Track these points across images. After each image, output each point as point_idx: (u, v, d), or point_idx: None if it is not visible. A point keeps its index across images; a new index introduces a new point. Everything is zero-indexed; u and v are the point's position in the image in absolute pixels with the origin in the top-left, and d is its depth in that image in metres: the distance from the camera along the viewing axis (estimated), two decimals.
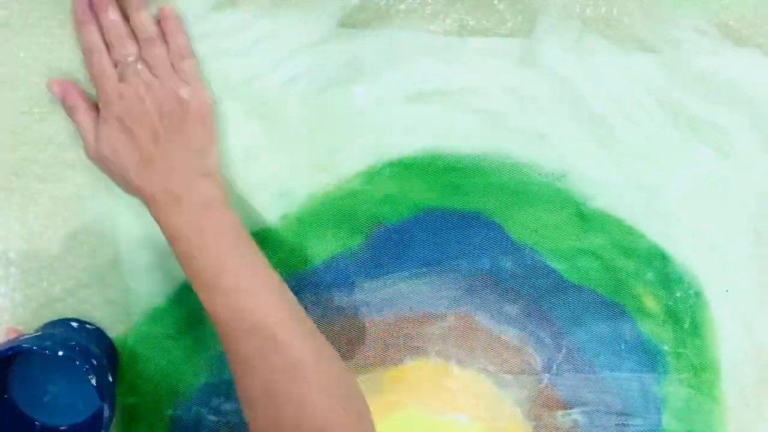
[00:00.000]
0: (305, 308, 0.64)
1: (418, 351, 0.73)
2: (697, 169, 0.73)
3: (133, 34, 0.65)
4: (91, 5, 0.65)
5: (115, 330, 0.71)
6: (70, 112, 0.67)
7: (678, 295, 0.73)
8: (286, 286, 0.64)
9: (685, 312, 0.73)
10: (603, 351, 0.73)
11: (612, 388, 0.73)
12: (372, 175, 0.72)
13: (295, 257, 0.72)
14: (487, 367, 0.73)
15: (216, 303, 0.61)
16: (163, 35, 0.66)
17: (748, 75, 0.72)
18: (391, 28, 0.70)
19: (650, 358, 0.73)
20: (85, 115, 0.66)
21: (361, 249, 0.72)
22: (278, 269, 0.70)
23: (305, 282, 0.72)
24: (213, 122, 0.67)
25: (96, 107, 0.66)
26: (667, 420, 0.73)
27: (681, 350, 0.73)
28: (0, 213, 0.70)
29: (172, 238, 0.63)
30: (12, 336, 0.65)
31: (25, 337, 0.64)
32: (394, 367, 0.73)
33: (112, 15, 0.65)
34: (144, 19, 0.65)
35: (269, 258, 0.67)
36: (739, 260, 0.74)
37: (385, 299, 0.73)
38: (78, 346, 0.63)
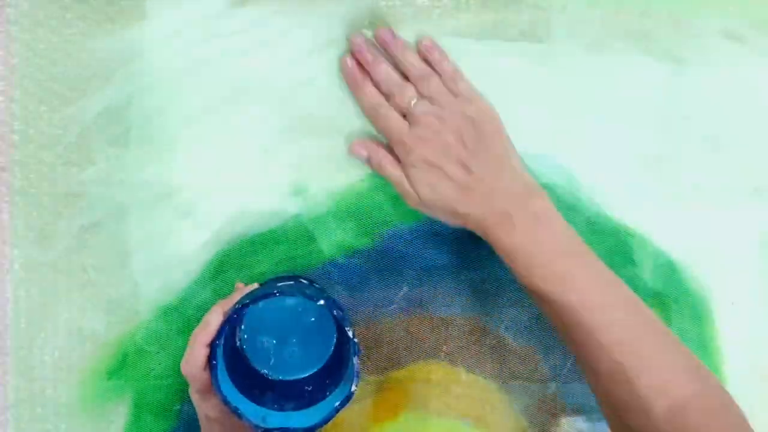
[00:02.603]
0: None
1: (425, 354, 0.73)
2: (709, 180, 0.73)
3: (404, 76, 0.67)
4: (359, 66, 0.67)
5: (122, 327, 0.71)
6: (378, 168, 0.69)
7: (684, 306, 0.73)
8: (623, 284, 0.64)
9: (691, 324, 0.73)
10: None
11: None
12: None
13: (307, 255, 0.71)
14: (494, 372, 0.73)
15: (564, 316, 0.62)
16: (430, 65, 0.68)
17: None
18: (403, 30, 0.69)
19: None
20: (394, 170, 0.68)
21: (374, 250, 0.72)
22: (291, 267, 0.69)
23: (317, 281, 0.71)
24: (504, 129, 0.68)
25: (395, 156, 0.68)
26: None
27: None
28: (5, 211, 0.69)
29: (509, 255, 0.64)
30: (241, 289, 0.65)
31: (280, 284, 0.64)
32: (402, 368, 0.73)
33: (384, 67, 0.67)
34: (412, 59, 0.67)
35: (282, 256, 0.66)
36: (746, 274, 0.74)
37: (394, 301, 0.73)
38: (331, 298, 0.62)
